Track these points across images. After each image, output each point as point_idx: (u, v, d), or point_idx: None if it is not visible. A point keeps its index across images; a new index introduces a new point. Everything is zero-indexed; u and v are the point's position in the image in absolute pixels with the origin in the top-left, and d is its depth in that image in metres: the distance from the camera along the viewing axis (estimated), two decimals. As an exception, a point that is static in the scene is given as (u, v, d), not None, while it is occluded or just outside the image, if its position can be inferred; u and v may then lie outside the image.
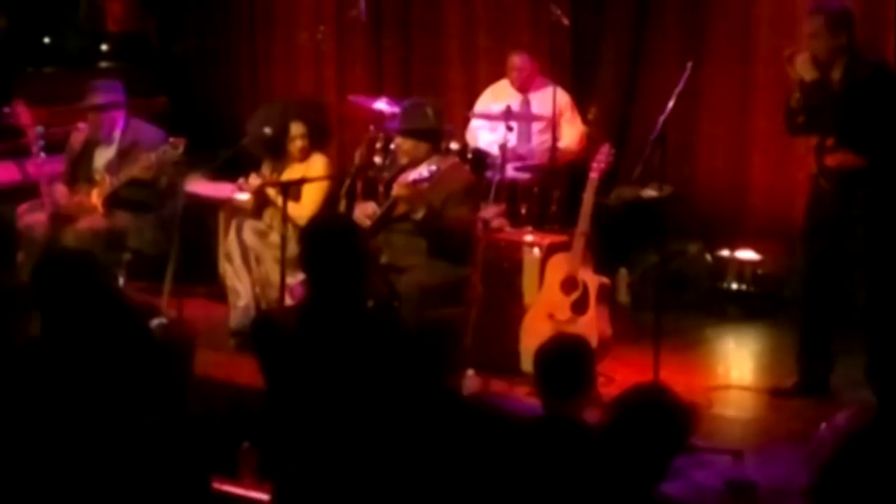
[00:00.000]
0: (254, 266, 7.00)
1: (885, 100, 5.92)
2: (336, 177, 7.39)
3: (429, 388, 4.18)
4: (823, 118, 6.00)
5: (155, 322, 6.12)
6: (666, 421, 3.39)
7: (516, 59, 8.08)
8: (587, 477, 3.52)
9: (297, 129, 7.25)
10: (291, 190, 6.90)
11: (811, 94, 6.00)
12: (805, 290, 6.26)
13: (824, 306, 6.20)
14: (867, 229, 5.98)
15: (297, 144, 7.23)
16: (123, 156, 7.37)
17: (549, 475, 3.81)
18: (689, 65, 6.25)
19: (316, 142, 7.32)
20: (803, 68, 6.00)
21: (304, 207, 7.02)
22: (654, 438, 3.35)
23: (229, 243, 7.11)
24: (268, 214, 7.13)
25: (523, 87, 8.07)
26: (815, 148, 6.07)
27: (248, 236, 7.05)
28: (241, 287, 6.99)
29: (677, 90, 6.07)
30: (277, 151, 7.28)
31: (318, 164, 7.22)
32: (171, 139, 7.15)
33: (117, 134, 7.47)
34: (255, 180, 7.20)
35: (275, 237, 6.87)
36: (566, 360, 4.29)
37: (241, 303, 6.97)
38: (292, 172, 7.15)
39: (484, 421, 4.35)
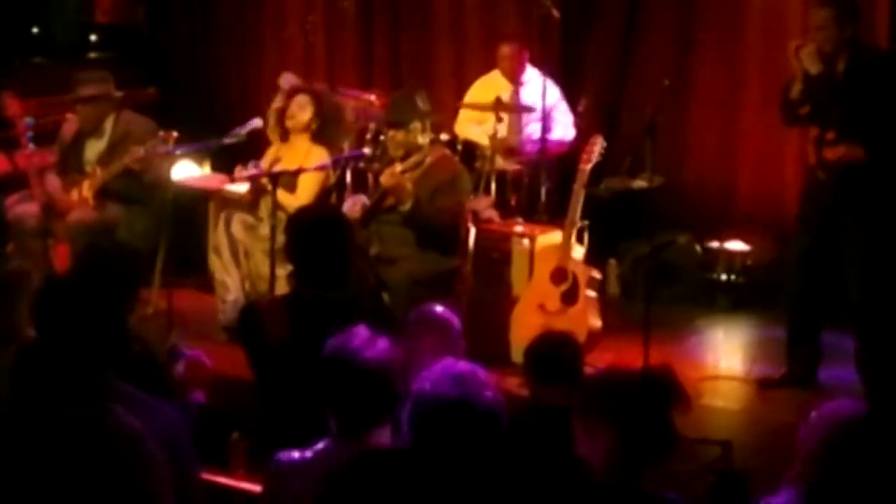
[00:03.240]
0: (242, 260, 6.99)
1: (886, 92, 5.89)
2: (328, 168, 7.37)
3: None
4: (825, 110, 5.97)
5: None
6: (632, 400, 3.30)
7: (506, 49, 8.08)
8: (571, 464, 3.51)
9: (302, 98, 7.22)
10: (288, 181, 6.90)
11: (815, 86, 5.95)
12: (796, 281, 6.26)
13: (815, 297, 6.21)
14: (864, 222, 5.97)
15: (294, 113, 7.19)
16: (114, 147, 7.36)
17: (540, 464, 3.81)
18: (666, 82, 6.27)
19: (321, 134, 7.30)
20: (808, 61, 5.94)
21: (298, 198, 7.00)
22: (622, 418, 3.26)
23: (218, 237, 7.09)
24: (262, 206, 7.11)
25: (514, 77, 8.06)
26: (815, 140, 6.03)
27: (237, 229, 7.03)
28: (230, 281, 6.98)
29: (656, 105, 6.10)
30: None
31: (316, 157, 7.19)
32: (162, 132, 7.14)
33: (108, 125, 7.46)
34: (247, 171, 7.19)
35: (264, 229, 6.87)
36: (554, 348, 4.32)
37: (231, 297, 6.95)
38: (287, 163, 7.13)
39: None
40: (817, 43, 5.94)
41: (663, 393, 3.34)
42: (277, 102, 7.51)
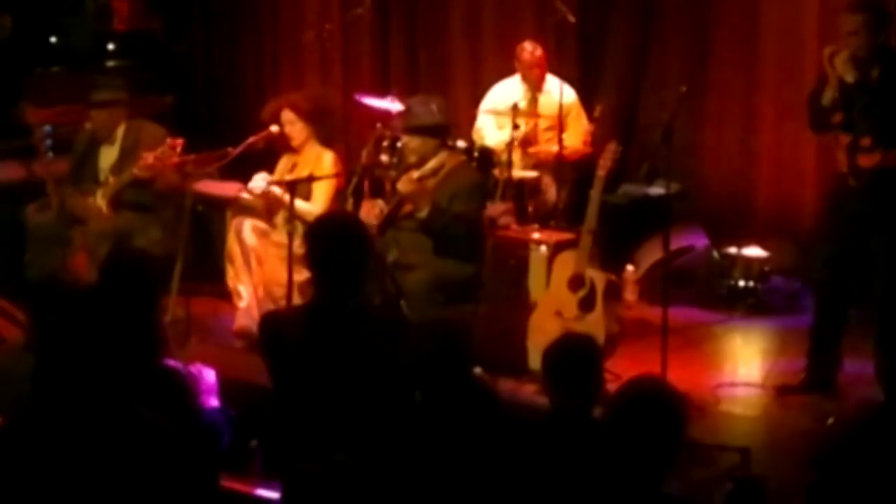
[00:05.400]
0: (255, 267, 6.99)
1: None
2: (344, 175, 7.39)
3: (444, 383, 4.18)
4: (863, 117, 5.88)
5: None
6: (664, 410, 3.40)
7: (527, 54, 8.03)
8: (596, 473, 3.53)
9: (286, 115, 7.24)
10: (302, 188, 6.91)
11: (851, 93, 5.86)
12: (822, 288, 6.22)
13: (838, 304, 6.18)
14: (892, 229, 5.95)
15: (289, 132, 7.21)
16: (126, 155, 7.37)
17: (558, 472, 3.82)
18: (683, 88, 6.24)
19: (321, 135, 7.31)
20: (844, 68, 5.85)
21: (314, 206, 7.01)
22: (655, 429, 3.36)
23: (229, 244, 7.10)
24: (279, 213, 7.13)
25: (535, 83, 8.02)
26: (848, 147, 5.94)
27: (249, 236, 7.03)
28: (242, 288, 6.99)
29: (673, 111, 6.07)
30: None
31: (326, 162, 7.21)
32: (169, 140, 7.15)
33: (120, 133, 7.47)
34: (261, 182, 7.19)
35: (277, 236, 6.89)
36: (574, 359, 4.31)
37: (243, 304, 6.96)
38: (301, 170, 7.15)
39: (497, 416, 4.34)
40: (851, 49, 5.86)
41: (679, 423, 3.42)
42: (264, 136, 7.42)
